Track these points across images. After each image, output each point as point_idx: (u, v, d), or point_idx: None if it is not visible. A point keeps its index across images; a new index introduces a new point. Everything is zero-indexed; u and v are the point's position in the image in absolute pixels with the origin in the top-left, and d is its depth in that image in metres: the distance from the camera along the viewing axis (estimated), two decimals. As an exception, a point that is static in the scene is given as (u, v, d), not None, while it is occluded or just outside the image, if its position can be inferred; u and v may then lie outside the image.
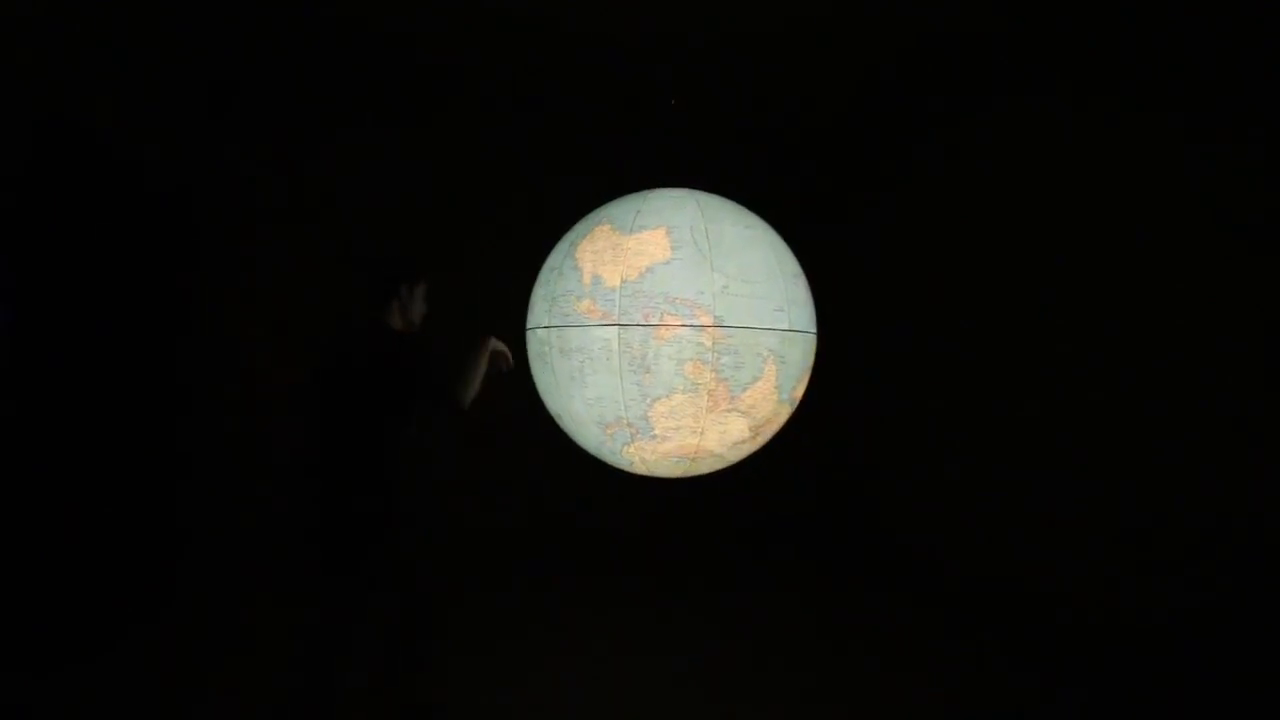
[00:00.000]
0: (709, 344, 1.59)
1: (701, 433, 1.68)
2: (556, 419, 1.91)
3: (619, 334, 1.61)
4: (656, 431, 1.67)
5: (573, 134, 4.46)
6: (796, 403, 1.86)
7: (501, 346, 2.23)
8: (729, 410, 1.66)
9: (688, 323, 1.58)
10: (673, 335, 1.58)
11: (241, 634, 3.17)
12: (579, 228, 1.83)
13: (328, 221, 4.24)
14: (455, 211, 4.50)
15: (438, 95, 3.65)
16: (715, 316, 1.59)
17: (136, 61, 2.79)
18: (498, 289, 3.10)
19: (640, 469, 1.82)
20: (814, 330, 1.83)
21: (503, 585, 3.84)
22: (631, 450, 1.74)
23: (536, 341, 1.82)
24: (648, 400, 1.63)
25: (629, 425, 1.68)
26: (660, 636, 3.23)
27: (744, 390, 1.65)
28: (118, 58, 2.73)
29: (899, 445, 4.73)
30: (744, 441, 1.77)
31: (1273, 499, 2.56)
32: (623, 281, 1.62)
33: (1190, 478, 2.83)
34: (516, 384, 2.27)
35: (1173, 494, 2.89)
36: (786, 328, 1.69)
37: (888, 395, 4.81)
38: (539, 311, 1.81)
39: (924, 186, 4.43)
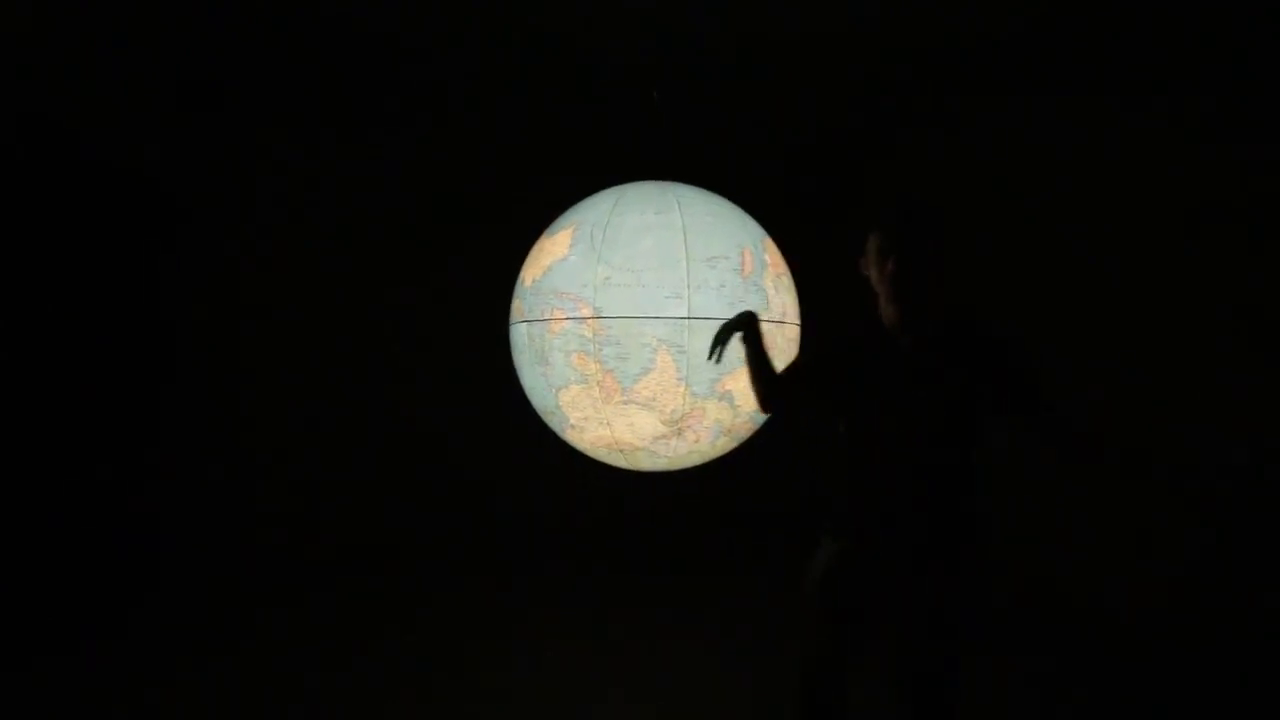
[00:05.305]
0: (590, 335, 1.62)
1: (608, 424, 1.70)
2: None
3: (527, 329, 1.76)
4: (572, 421, 1.76)
5: (568, 137, 3.87)
6: (738, 396, 1.69)
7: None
8: (626, 403, 1.65)
9: (570, 315, 1.64)
10: (561, 329, 1.67)
11: (225, 635, 2.85)
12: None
13: (319, 221, 4.05)
14: (449, 214, 4.13)
15: (432, 94, 3.32)
16: (595, 308, 1.61)
17: (124, 61, 2.72)
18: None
19: (591, 454, 1.90)
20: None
21: (505, 582, 3.43)
22: (568, 436, 1.85)
23: (515, 339, 2.06)
24: (554, 390, 1.73)
25: (552, 413, 1.81)
26: (655, 631, 2.81)
27: (635, 382, 1.62)
28: (105, 57, 2.67)
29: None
30: (665, 437, 1.70)
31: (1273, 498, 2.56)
32: (532, 281, 1.77)
33: (1193, 478, 2.85)
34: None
35: (1176, 495, 2.88)
36: (685, 315, 1.59)
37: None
38: (517, 314, 2.05)
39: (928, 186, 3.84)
